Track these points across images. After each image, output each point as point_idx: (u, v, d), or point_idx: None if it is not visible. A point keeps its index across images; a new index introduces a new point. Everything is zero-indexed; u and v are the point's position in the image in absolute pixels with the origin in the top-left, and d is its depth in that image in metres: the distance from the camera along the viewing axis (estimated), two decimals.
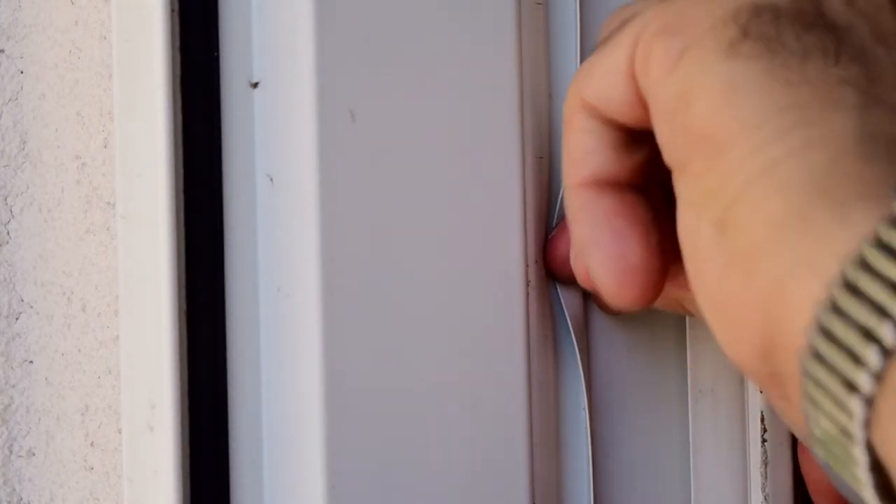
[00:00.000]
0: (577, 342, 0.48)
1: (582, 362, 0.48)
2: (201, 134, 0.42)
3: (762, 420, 0.52)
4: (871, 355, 0.31)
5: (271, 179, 0.43)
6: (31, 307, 0.47)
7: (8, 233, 0.47)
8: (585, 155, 0.42)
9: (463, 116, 0.45)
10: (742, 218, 0.35)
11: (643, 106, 0.39)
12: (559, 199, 0.47)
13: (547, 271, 0.47)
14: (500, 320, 0.46)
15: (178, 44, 0.42)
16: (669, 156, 0.38)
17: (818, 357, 0.32)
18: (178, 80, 0.42)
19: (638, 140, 0.41)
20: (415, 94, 0.44)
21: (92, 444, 0.47)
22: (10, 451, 0.47)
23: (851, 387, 0.31)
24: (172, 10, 0.42)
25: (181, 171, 0.42)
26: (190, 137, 0.42)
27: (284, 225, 0.43)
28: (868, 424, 0.31)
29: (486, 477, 0.45)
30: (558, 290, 0.48)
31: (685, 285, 0.39)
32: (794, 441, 0.52)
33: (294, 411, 0.42)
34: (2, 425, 0.47)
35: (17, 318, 0.47)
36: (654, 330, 0.51)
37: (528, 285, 0.46)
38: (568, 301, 0.48)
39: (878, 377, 0.31)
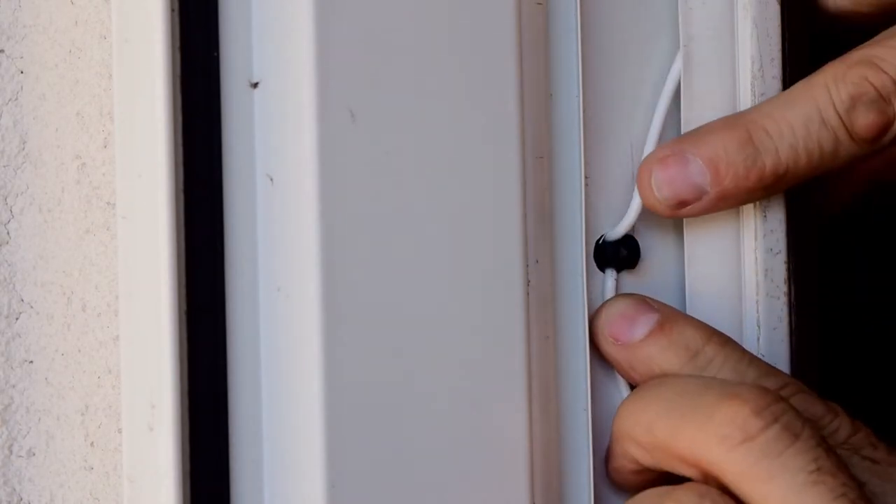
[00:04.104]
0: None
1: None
2: (201, 134, 0.42)
3: None
4: None
5: (271, 179, 0.43)
6: (31, 307, 0.47)
7: (8, 233, 0.47)
8: None
9: (463, 116, 0.45)
10: None
11: None
12: None
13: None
14: (500, 320, 0.46)
15: (178, 44, 0.42)
16: None
17: None
18: (178, 80, 0.42)
19: None
20: (415, 94, 0.44)
21: (92, 444, 0.47)
22: (10, 451, 0.47)
23: None
24: (172, 10, 0.42)
25: (181, 171, 0.42)
26: (190, 137, 0.42)
27: (284, 225, 0.43)
28: None
29: (486, 477, 0.45)
30: None
31: None
32: None
33: (294, 411, 0.42)
34: (2, 425, 0.47)
35: (17, 318, 0.47)
36: None
37: (528, 285, 0.46)
38: None
39: None
